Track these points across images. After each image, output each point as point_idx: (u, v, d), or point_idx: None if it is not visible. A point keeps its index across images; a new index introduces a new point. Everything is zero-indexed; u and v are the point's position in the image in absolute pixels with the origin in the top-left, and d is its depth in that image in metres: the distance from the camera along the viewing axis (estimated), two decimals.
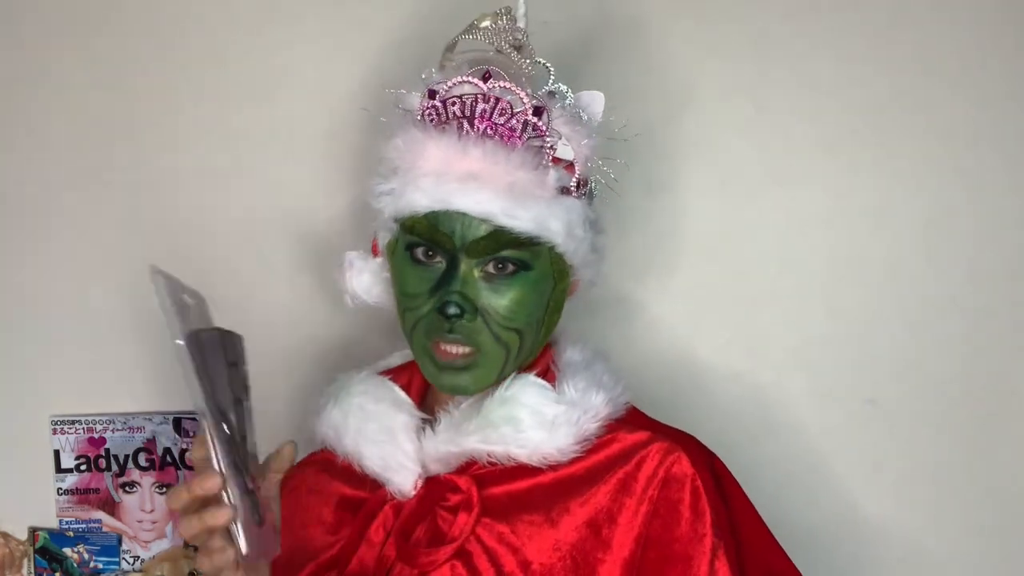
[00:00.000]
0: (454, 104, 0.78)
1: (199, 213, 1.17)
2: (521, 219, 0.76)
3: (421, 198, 0.77)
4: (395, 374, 0.90)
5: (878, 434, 1.09)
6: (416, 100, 0.81)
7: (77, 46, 1.18)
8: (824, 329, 1.10)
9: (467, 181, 0.76)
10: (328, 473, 0.88)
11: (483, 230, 0.76)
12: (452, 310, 0.76)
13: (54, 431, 1.20)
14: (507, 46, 0.81)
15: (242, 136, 1.16)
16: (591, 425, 0.80)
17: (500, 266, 0.78)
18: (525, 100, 0.77)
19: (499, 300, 0.78)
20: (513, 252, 0.77)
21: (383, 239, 0.85)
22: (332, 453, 0.86)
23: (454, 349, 0.78)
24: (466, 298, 0.77)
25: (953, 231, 1.08)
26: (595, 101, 0.85)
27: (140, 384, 1.19)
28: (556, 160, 0.79)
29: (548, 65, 0.83)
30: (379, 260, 0.88)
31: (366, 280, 0.88)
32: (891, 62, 1.07)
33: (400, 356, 0.94)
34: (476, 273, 0.78)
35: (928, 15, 1.07)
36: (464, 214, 0.76)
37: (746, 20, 1.09)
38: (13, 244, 1.21)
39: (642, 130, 1.10)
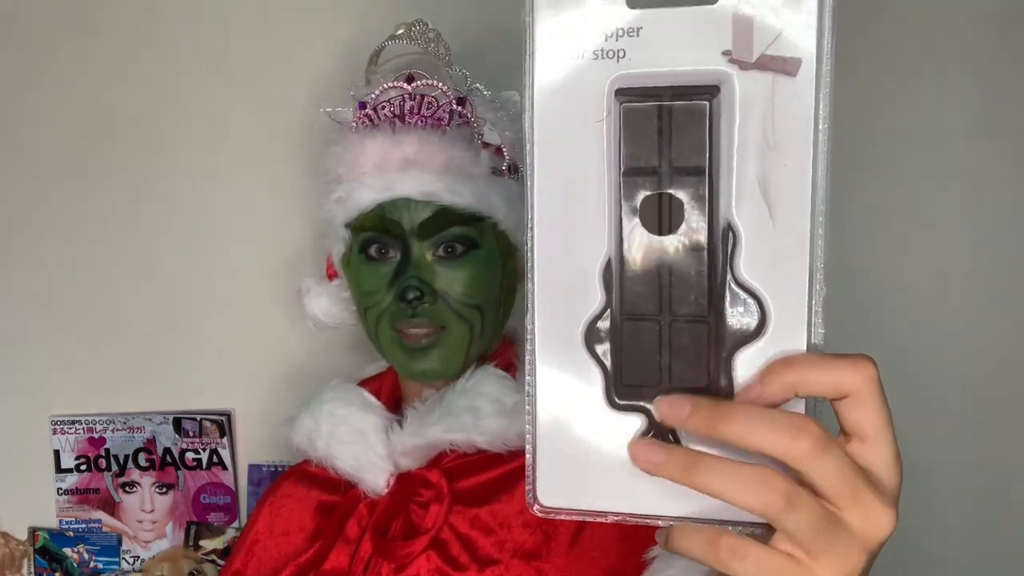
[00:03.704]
0: (384, 108, 0.82)
1: (199, 213, 1.17)
2: (463, 195, 0.80)
3: (367, 193, 0.81)
4: (366, 383, 0.92)
5: None
6: (348, 114, 0.84)
7: (76, 46, 1.18)
8: (824, 329, 1.09)
9: (406, 168, 0.79)
10: (305, 483, 0.90)
11: (429, 211, 0.79)
12: (412, 294, 0.79)
13: (54, 431, 1.20)
14: (431, 46, 0.87)
15: (242, 136, 1.16)
16: None
17: (450, 248, 0.81)
18: (449, 93, 0.82)
19: (455, 280, 0.81)
20: (460, 229, 0.80)
21: (337, 254, 0.87)
22: (308, 464, 0.88)
23: (420, 330, 0.81)
24: (423, 281, 0.80)
25: (953, 231, 1.07)
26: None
27: (140, 384, 1.19)
28: (485, 144, 0.83)
29: (464, 71, 0.87)
30: (336, 282, 0.90)
31: (324, 303, 0.91)
32: (889, 60, 1.07)
33: (374, 368, 0.96)
34: (429, 257, 0.81)
35: (927, 14, 1.07)
36: (408, 199, 0.79)
37: None
38: (13, 244, 1.21)
39: None
